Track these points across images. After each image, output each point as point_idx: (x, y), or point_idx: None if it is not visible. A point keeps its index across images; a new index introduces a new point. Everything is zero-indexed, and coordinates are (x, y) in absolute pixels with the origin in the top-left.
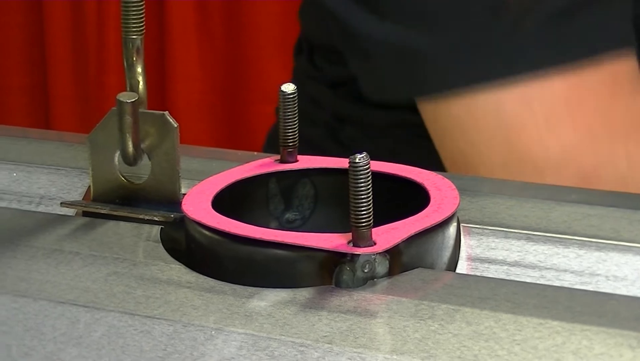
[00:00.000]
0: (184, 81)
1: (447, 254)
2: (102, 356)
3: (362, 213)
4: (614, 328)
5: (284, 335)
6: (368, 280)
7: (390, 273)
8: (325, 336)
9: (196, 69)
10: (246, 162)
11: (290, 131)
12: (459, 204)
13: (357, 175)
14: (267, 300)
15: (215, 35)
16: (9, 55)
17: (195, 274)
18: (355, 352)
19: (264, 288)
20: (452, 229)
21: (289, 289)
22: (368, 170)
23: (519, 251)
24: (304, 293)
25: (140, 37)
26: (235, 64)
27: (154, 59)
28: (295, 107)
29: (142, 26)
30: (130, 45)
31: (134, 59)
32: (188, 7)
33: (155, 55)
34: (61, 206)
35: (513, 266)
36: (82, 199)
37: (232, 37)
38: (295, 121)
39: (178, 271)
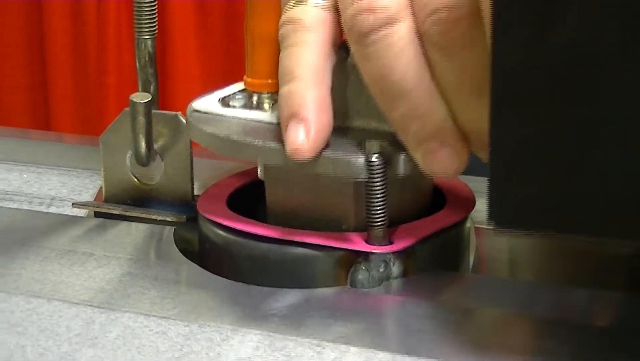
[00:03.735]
0: (184, 81)
1: (461, 254)
2: (117, 357)
3: (378, 212)
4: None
5: (300, 336)
6: (383, 281)
7: (405, 274)
8: (342, 336)
9: (196, 69)
10: None
11: None
12: (474, 206)
13: (373, 175)
14: (282, 301)
15: (215, 35)
16: (9, 55)
17: (209, 274)
18: (371, 352)
19: (279, 289)
20: (467, 230)
21: (305, 290)
22: (384, 170)
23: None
24: (319, 294)
25: (152, 38)
26: (235, 64)
27: None
28: None
29: (154, 27)
30: (143, 46)
31: (147, 59)
32: (188, 7)
33: (156, 55)
34: (73, 206)
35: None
36: (94, 200)
37: (232, 37)
38: None
39: (192, 271)
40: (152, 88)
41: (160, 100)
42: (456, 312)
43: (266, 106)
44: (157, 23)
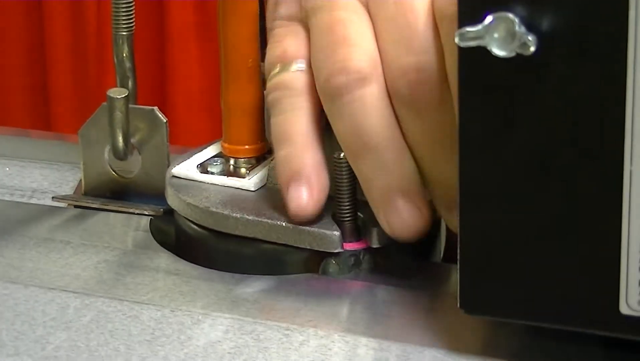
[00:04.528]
0: (183, 81)
1: (432, 246)
2: (90, 340)
3: (347, 207)
4: None
5: (269, 320)
6: (354, 268)
7: (376, 264)
8: (310, 320)
9: (196, 68)
10: None
11: None
12: None
13: (341, 171)
14: (254, 286)
15: (215, 35)
16: (9, 55)
17: (183, 262)
18: (339, 335)
19: (251, 275)
20: (437, 223)
21: (276, 276)
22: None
23: None
24: (290, 280)
25: (130, 33)
26: None
27: (154, 59)
28: None
29: (132, 23)
30: (121, 41)
31: (124, 55)
32: (188, 7)
33: (155, 55)
34: (52, 200)
35: None
36: (74, 192)
37: None
38: None
39: (167, 259)
40: (130, 83)
41: (160, 99)
42: (425, 298)
43: (243, 171)
44: (134, 19)
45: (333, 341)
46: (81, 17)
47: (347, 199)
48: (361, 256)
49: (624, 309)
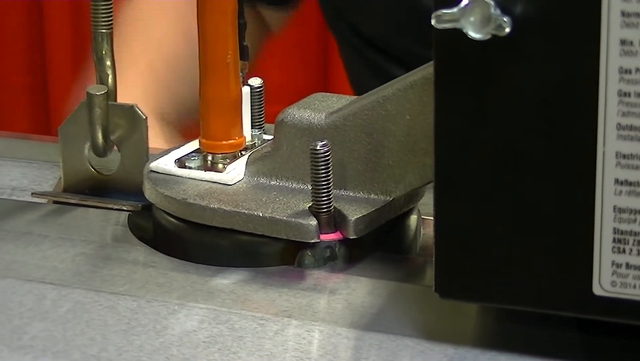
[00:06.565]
0: None
1: (407, 241)
2: (67, 330)
3: (323, 199)
4: None
5: (244, 310)
6: (329, 261)
7: (351, 256)
8: (285, 310)
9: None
10: None
11: (257, 122)
12: (421, 197)
13: (318, 162)
14: (230, 278)
15: None
16: (10, 55)
17: (160, 255)
18: (313, 325)
19: (227, 268)
20: (413, 219)
21: (252, 268)
22: (328, 157)
23: None
24: (266, 272)
25: (109, 30)
26: None
27: None
28: (261, 99)
29: (111, 20)
30: (100, 39)
31: (104, 52)
32: None
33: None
34: (32, 196)
35: None
36: (53, 190)
37: None
38: (261, 112)
39: (144, 252)
40: (109, 80)
41: None
42: (400, 290)
43: (221, 165)
44: (113, 16)
45: (307, 331)
46: (81, 17)
47: (323, 191)
48: (336, 249)
49: (597, 290)
